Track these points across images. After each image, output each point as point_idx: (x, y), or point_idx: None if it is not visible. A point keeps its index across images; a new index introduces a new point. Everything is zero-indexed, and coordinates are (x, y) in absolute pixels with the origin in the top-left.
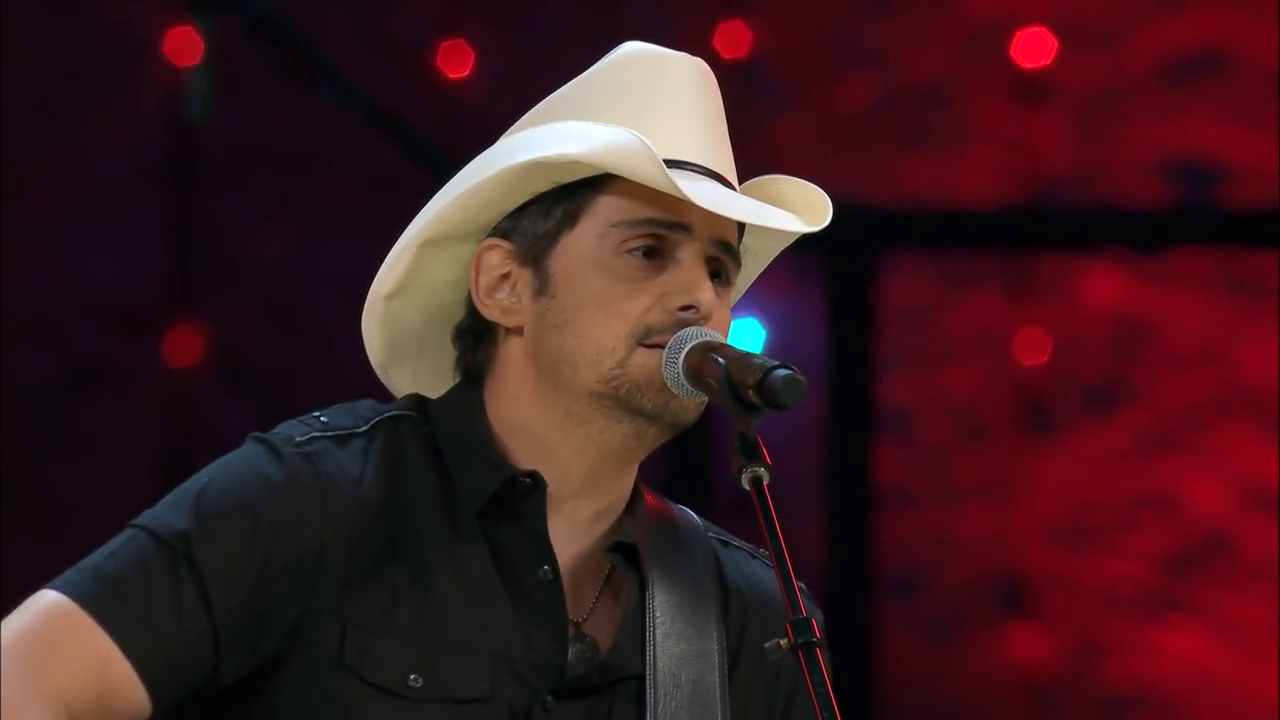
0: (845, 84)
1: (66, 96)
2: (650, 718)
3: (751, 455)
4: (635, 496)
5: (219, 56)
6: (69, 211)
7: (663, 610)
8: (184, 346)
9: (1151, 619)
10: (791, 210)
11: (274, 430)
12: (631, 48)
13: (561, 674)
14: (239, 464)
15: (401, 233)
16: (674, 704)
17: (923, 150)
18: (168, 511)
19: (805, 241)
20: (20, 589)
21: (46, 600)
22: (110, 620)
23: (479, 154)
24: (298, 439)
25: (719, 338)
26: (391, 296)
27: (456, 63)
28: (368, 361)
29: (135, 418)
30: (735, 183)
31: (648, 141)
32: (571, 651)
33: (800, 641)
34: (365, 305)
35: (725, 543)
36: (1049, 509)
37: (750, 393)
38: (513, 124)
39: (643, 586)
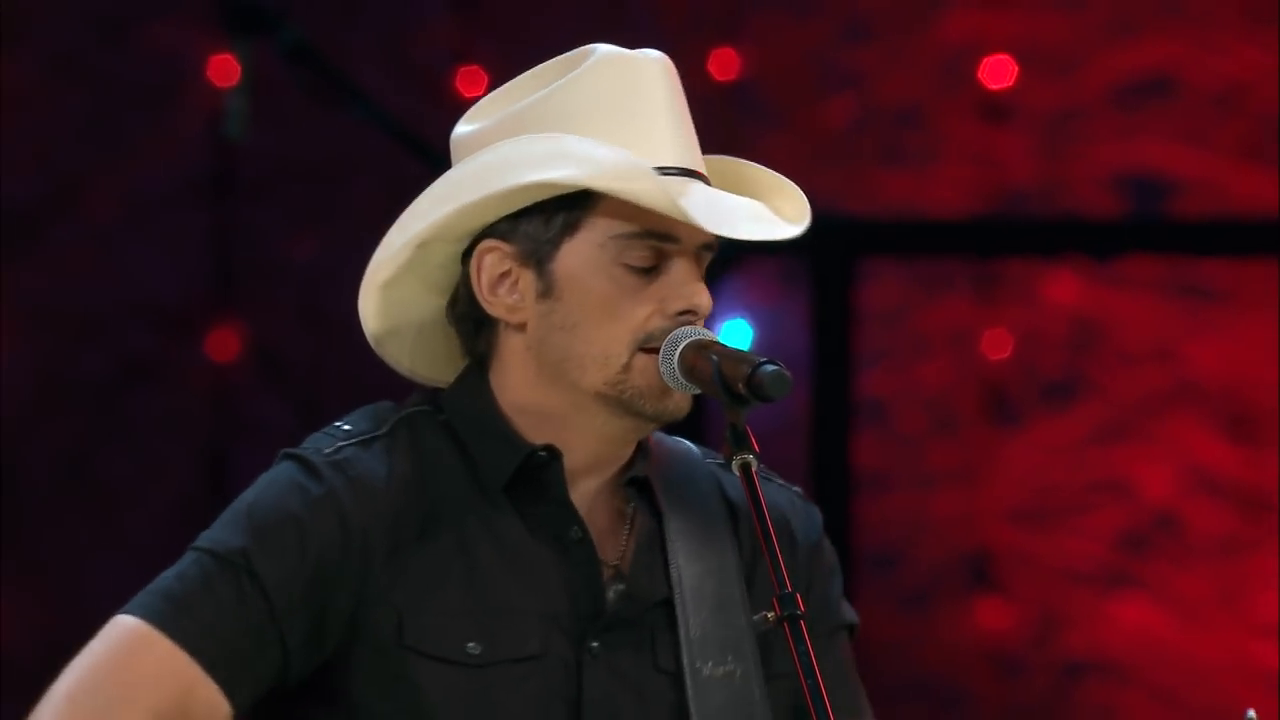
0: (827, 105)
1: (118, 117)
2: (684, 632)
3: (741, 443)
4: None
5: (256, 80)
6: (120, 221)
7: (679, 536)
8: (224, 344)
9: (1106, 592)
10: (764, 199)
11: (302, 445)
12: (603, 53)
13: (601, 619)
14: (278, 481)
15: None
16: (702, 616)
17: (898, 166)
18: (222, 532)
19: (790, 250)
20: (77, 564)
21: (123, 625)
22: (183, 635)
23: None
24: (326, 450)
25: (711, 336)
26: (387, 285)
27: (472, 85)
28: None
29: (180, 409)
30: (704, 169)
31: (650, 168)
32: (610, 596)
33: (786, 614)
34: (361, 286)
35: (722, 465)
36: (1013, 492)
37: (740, 386)
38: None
39: (659, 518)
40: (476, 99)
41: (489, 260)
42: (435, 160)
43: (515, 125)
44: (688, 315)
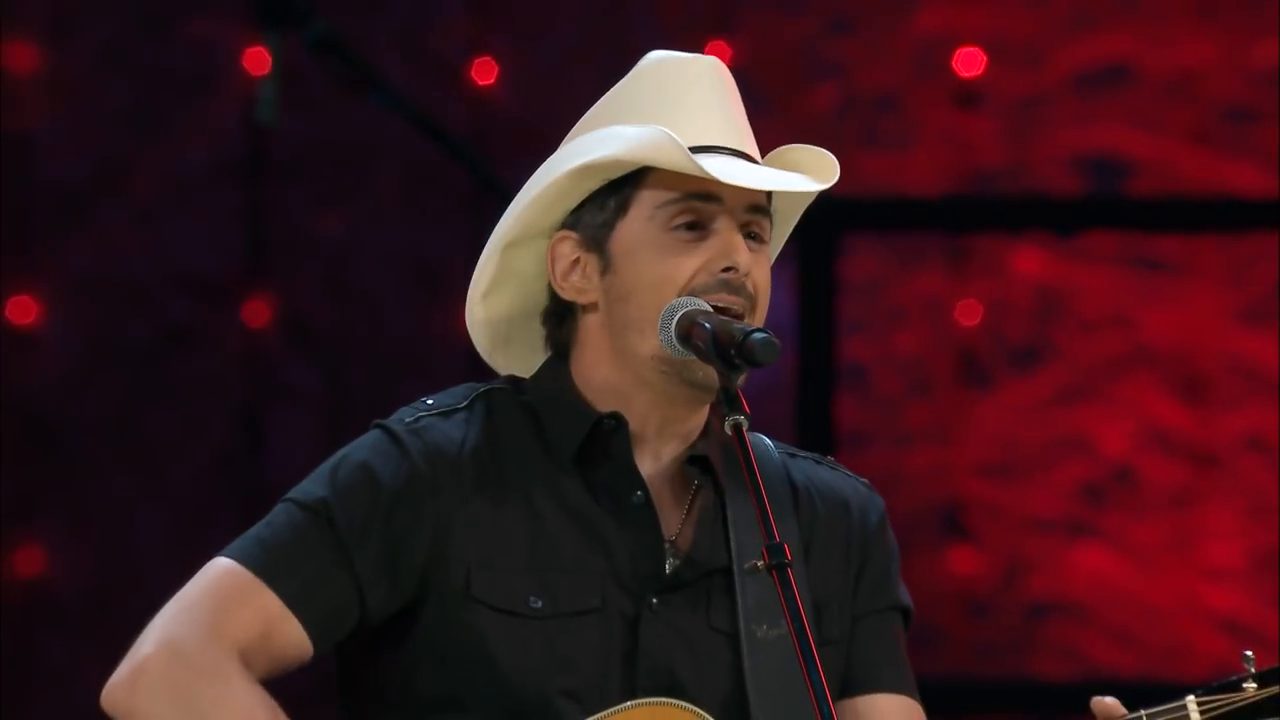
0: (812, 93)
1: (160, 104)
2: (740, 598)
3: (733, 405)
4: (707, 422)
5: (286, 70)
6: (162, 200)
7: (739, 512)
8: (258, 313)
9: (1068, 540)
10: (804, 173)
11: (390, 416)
12: (654, 56)
13: (661, 579)
14: (364, 445)
15: (445, 218)
16: (758, 585)
17: (877, 148)
18: (310, 485)
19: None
20: (121, 515)
21: (218, 566)
22: (270, 575)
23: (504, 149)
24: (408, 420)
25: (705, 307)
26: (487, 294)
27: (485, 74)
28: (410, 325)
29: (217, 372)
30: (757, 156)
31: (672, 134)
32: (668, 562)
33: (775, 563)
34: (466, 305)
35: (792, 455)
36: (982, 449)
37: (732, 352)
38: (532, 122)
39: (720, 494)
40: (489, 88)
41: (561, 249)
42: (450, 141)
43: (581, 128)
44: (730, 272)
